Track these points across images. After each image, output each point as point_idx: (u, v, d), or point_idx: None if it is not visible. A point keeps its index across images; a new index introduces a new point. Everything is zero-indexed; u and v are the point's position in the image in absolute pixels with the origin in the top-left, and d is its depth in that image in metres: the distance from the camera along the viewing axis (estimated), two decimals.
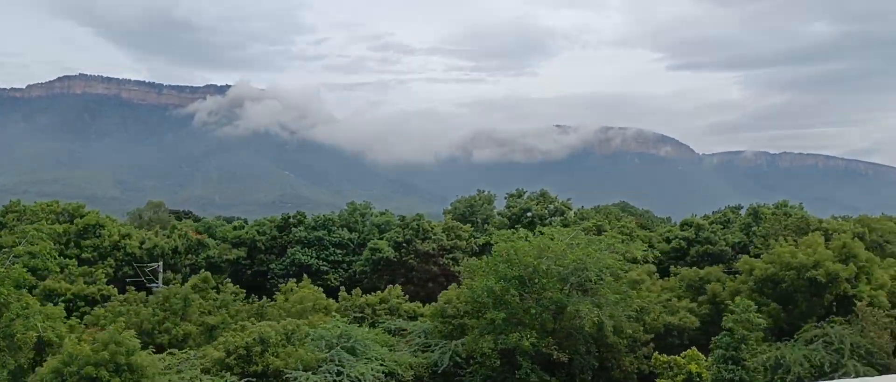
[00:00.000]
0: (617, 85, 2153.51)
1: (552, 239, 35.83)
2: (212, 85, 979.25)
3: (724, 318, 39.50)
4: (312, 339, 37.39)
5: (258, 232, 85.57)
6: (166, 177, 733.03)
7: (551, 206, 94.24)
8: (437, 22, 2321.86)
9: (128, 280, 75.12)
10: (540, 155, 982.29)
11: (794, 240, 48.84)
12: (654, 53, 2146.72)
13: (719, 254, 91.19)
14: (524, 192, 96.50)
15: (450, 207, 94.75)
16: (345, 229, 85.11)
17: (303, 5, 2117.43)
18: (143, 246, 78.33)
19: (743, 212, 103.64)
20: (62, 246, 75.41)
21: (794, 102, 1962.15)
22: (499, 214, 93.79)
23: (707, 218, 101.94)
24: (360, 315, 47.29)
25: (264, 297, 58.25)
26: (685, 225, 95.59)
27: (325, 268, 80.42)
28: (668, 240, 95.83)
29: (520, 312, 32.94)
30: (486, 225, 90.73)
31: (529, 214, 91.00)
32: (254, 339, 35.13)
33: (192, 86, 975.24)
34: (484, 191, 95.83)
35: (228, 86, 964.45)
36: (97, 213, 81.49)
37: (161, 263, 65.20)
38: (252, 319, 42.54)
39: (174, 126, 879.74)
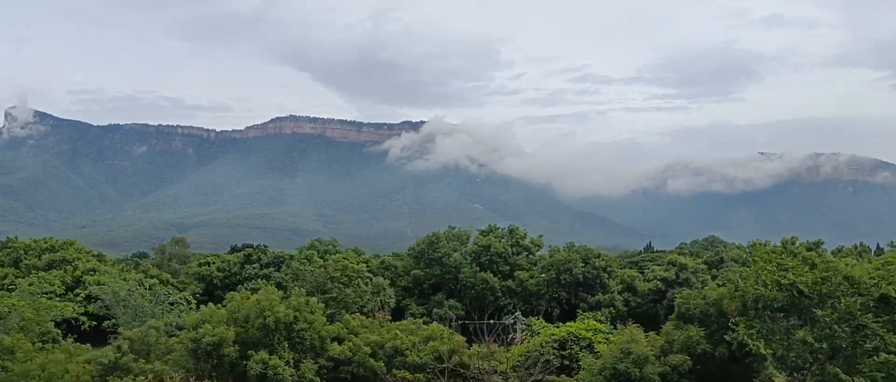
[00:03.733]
0: (830, 108, 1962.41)
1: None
2: (407, 121, 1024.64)
3: None
4: None
5: (217, 268, 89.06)
6: (362, 212, 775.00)
7: (521, 243, 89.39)
8: (636, 51, 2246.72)
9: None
10: (741, 184, 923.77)
11: None
12: (876, 72, 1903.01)
13: None
14: (496, 228, 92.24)
15: (413, 245, 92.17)
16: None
17: (500, 41, 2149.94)
18: (100, 284, 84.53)
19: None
20: (36, 280, 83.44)
21: None
22: (465, 253, 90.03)
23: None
24: None
25: None
26: (669, 264, 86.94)
27: None
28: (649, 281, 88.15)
29: None
30: (444, 264, 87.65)
31: (490, 252, 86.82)
32: None
33: (389, 124, 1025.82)
34: (455, 228, 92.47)
35: (423, 123, 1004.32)
36: (76, 248, 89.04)
37: None
38: None
39: (370, 162, 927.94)
